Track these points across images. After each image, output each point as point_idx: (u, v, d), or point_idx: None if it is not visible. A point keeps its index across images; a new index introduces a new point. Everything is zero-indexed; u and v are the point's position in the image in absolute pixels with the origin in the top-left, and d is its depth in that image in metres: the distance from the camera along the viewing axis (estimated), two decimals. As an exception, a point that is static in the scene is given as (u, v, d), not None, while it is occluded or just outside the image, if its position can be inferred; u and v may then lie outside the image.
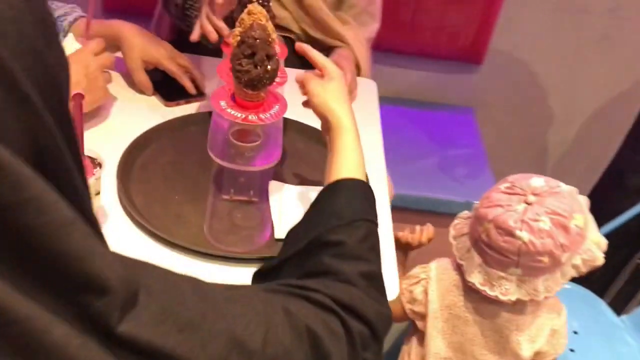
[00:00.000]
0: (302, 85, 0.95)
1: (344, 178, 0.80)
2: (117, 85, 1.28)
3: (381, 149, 1.25)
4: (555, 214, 1.00)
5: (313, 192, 1.05)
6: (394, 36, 2.11)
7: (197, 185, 1.04)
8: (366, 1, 1.57)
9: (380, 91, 2.22)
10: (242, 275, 0.89)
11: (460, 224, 1.17)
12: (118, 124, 1.19)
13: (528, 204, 1.03)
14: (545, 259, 1.01)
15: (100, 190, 0.93)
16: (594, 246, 1.05)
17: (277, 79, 1.00)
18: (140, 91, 1.28)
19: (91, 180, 0.88)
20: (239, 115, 0.93)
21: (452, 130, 2.12)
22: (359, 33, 1.54)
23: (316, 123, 1.23)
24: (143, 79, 1.26)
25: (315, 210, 0.79)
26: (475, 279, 1.08)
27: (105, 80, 1.14)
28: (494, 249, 1.05)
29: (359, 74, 1.51)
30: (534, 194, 1.03)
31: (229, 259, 0.91)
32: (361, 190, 0.80)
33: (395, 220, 1.86)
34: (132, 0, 1.99)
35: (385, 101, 2.21)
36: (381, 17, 1.63)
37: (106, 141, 1.12)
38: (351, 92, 1.36)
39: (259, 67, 0.89)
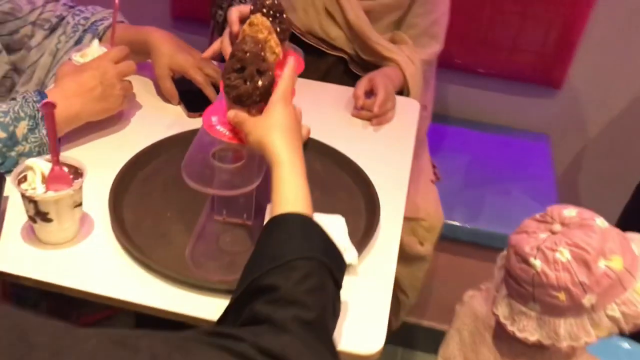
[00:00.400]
0: (240, 128, 0.86)
1: (280, 214, 0.73)
2: (145, 92, 1.27)
3: (407, 172, 1.15)
4: (578, 248, 0.90)
5: (319, 219, 0.97)
6: (466, 54, 1.97)
7: (193, 203, 0.99)
8: (428, 22, 1.46)
9: (449, 111, 2.10)
10: (211, 306, 0.83)
11: (506, 254, 1.09)
12: (135, 132, 1.16)
13: (553, 232, 0.94)
14: (562, 296, 0.91)
15: (82, 202, 0.90)
16: None
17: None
18: (167, 100, 1.25)
19: (67, 192, 0.85)
20: (227, 133, 0.87)
21: (522, 157, 1.95)
22: (414, 54, 1.44)
23: (341, 145, 1.15)
24: (168, 87, 1.23)
25: (254, 252, 0.72)
26: (501, 311, 1.01)
27: (123, 89, 1.11)
28: (512, 277, 0.98)
29: (407, 94, 1.41)
30: (562, 224, 0.95)
31: (202, 288, 0.84)
32: (300, 225, 0.72)
33: (442, 250, 1.74)
34: (199, 7, 2.00)
35: (453, 122, 2.08)
36: (445, 38, 1.52)
37: (117, 149, 1.10)
38: (385, 112, 1.27)
39: (248, 83, 0.83)
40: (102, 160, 1.06)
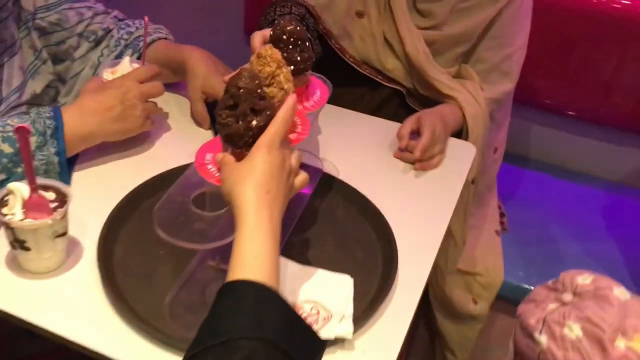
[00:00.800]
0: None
1: (232, 281, 0.63)
2: (178, 114, 1.21)
3: (443, 229, 1.00)
4: (590, 323, 0.75)
5: (323, 278, 0.86)
6: (555, 94, 1.77)
7: (210, 221, 0.89)
8: (500, 57, 1.31)
9: (530, 153, 1.90)
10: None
11: None
12: (158, 155, 1.10)
13: (563, 303, 0.80)
14: None
15: (67, 231, 0.84)
16: None
17: (293, 135, 0.83)
18: (199, 123, 1.19)
19: (45, 222, 0.79)
20: (217, 174, 0.77)
21: (611, 214, 1.71)
22: (478, 92, 1.29)
23: (375, 189, 1.03)
24: (200, 110, 1.16)
25: (202, 322, 0.62)
26: None
27: (146, 110, 1.06)
28: (519, 354, 0.85)
29: (465, 137, 1.26)
30: (574, 293, 0.81)
31: (171, 345, 0.76)
32: (252, 297, 0.61)
33: (499, 310, 1.55)
34: (272, 25, 1.94)
35: (533, 165, 1.88)
36: (519, 75, 1.36)
37: (135, 172, 1.04)
38: (431, 157, 1.12)
39: (240, 122, 0.73)
40: (114, 183, 1.01)
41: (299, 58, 0.87)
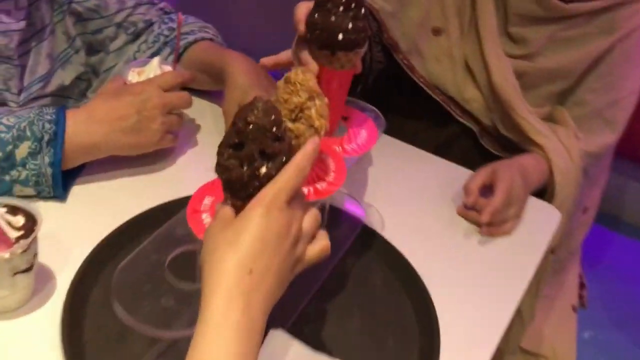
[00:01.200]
0: None
1: None
2: (213, 127, 1.05)
3: (508, 317, 0.80)
4: None
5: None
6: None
7: (184, 297, 0.73)
8: (605, 101, 1.07)
9: (624, 216, 1.62)
10: None
11: None
12: (178, 175, 0.94)
13: None
14: None
15: (33, 265, 0.68)
16: None
17: (321, 184, 0.65)
18: (232, 141, 1.02)
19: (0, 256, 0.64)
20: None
21: None
22: (572, 142, 1.05)
23: (427, 255, 0.83)
24: (233, 127, 0.99)
25: None
26: None
27: (166, 124, 0.89)
28: None
29: (549, 197, 1.03)
30: None
31: None
32: None
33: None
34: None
35: (628, 231, 1.60)
36: (624, 126, 1.11)
37: (147, 193, 0.88)
38: (502, 221, 0.90)
39: (245, 167, 0.55)
40: (119, 206, 0.85)
41: (350, 26, 0.67)
